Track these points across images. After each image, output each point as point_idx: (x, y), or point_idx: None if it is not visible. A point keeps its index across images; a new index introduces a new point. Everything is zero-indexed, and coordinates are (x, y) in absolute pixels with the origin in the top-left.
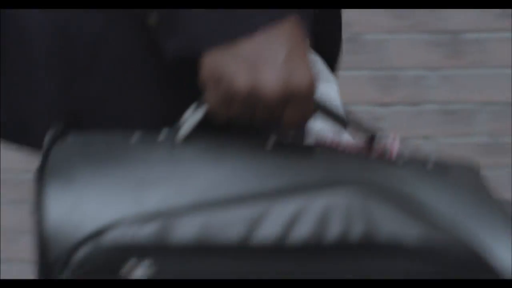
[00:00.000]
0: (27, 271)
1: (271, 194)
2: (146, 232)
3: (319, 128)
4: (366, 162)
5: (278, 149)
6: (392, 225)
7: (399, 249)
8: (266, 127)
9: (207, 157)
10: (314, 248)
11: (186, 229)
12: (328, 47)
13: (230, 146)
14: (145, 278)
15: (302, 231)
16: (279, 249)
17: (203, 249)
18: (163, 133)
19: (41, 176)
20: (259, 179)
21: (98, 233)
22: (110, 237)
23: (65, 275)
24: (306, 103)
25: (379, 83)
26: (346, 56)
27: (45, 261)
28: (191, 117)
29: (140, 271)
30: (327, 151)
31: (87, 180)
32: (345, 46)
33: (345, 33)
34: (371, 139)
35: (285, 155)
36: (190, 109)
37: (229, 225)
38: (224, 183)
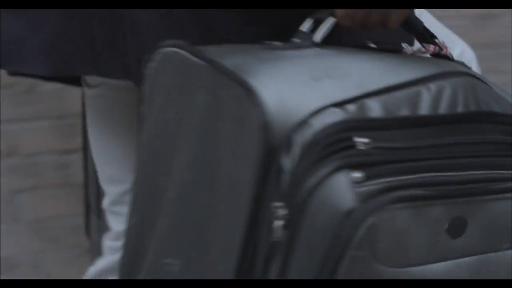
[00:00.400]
0: None
1: (413, 82)
2: (351, 112)
3: None
4: (439, 60)
5: (383, 52)
6: (490, 100)
7: (497, 116)
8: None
9: (345, 56)
10: (451, 116)
11: (375, 109)
12: None
13: (350, 49)
14: (368, 149)
15: (444, 105)
16: (434, 118)
17: (392, 122)
18: (295, 40)
19: (235, 75)
20: (395, 72)
21: (310, 117)
22: (324, 120)
23: (292, 158)
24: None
25: (60, 131)
26: (24, 107)
27: (267, 146)
28: (323, 25)
29: (361, 142)
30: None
31: (273, 74)
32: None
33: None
34: (431, 40)
35: (393, 56)
36: (306, 22)
37: (399, 103)
38: (373, 75)
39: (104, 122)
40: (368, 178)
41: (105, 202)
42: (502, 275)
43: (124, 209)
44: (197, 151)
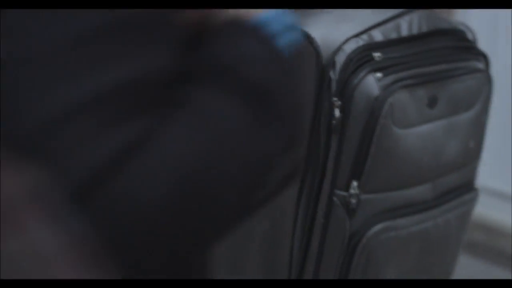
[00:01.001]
0: None
1: (394, 17)
2: (364, 40)
3: None
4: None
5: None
6: (441, 22)
7: (448, 30)
8: None
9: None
10: (421, 34)
11: (377, 36)
12: None
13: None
14: (381, 59)
15: (415, 28)
16: (411, 37)
17: (389, 42)
18: None
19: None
20: (380, 14)
21: (342, 45)
22: (350, 46)
23: (335, 71)
24: None
25: None
26: None
27: (319, 66)
28: None
29: (377, 56)
30: None
31: (314, 23)
32: None
33: None
34: None
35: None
36: None
37: (389, 31)
38: (369, 17)
39: None
40: (383, 76)
41: None
42: (463, 132)
43: None
44: None
